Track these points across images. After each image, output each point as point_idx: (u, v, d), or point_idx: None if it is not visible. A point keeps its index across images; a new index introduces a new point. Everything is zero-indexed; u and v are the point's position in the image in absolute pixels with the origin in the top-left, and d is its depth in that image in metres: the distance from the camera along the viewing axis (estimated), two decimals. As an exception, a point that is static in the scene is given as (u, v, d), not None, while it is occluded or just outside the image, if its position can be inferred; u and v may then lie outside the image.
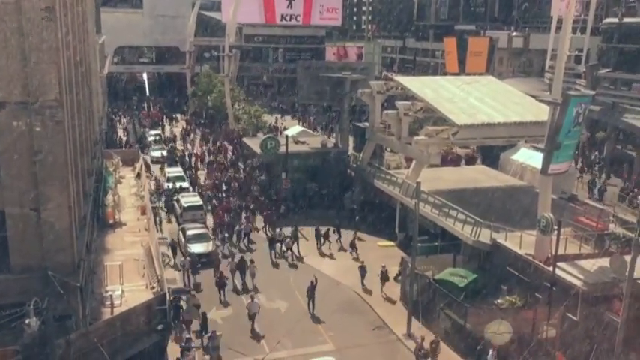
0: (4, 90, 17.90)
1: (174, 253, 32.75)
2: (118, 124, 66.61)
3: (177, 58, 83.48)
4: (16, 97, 18.02)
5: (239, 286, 30.25)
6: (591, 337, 23.21)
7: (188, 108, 74.83)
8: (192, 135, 61.36)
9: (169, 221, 38.68)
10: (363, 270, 30.65)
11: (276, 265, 33.43)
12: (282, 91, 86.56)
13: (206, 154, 53.43)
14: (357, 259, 33.73)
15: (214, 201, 40.93)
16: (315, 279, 28.46)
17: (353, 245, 34.49)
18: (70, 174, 20.01)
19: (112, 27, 69.55)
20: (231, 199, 41.07)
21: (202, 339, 24.99)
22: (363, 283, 30.54)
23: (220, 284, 29.27)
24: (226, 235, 36.02)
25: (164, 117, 70.62)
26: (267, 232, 36.88)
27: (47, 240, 18.88)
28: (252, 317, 26.42)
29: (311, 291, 28.08)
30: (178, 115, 73.14)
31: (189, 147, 56.71)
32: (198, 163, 50.92)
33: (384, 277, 29.97)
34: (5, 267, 18.91)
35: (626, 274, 21.68)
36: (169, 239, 34.20)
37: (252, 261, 30.95)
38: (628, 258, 21.97)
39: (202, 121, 68.41)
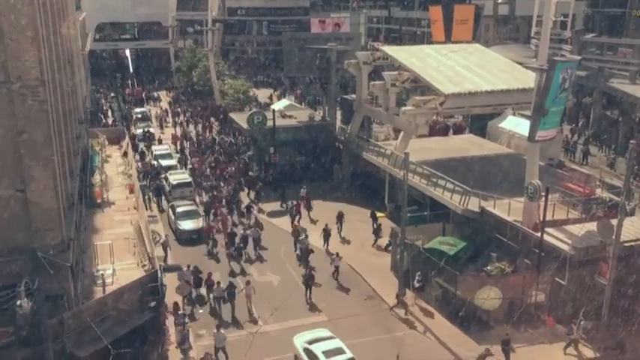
0: (-17, 71, 17.57)
1: (166, 254, 30.09)
2: (102, 102, 65.68)
3: (160, 33, 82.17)
4: (-4, 77, 17.71)
5: (229, 319, 25.65)
6: (579, 300, 23.65)
7: (173, 84, 73.91)
8: (181, 115, 58.93)
9: (160, 210, 36.80)
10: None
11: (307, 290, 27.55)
12: (267, 65, 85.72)
13: (190, 136, 51.06)
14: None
15: (207, 192, 38.06)
16: (310, 269, 27.93)
17: (377, 233, 32.31)
18: (55, 153, 19.76)
19: (92, 3, 68.21)
20: (225, 186, 38.62)
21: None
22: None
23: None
24: (233, 249, 30.72)
25: (149, 94, 69.71)
26: (299, 239, 31.26)
27: (35, 221, 18.73)
28: (217, 351, 22.81)
29: (309, 279, 27.30)
30: (163, 92, 72.25)
31: (176, 128, 54.82)
32: (185, 143, 49.24)
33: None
34: (-7, 249, 18.78)
35: (613, 237, 22.03)
36: (163, 238, 31.26)
37: (248, 282, 26.70)
38: (614, 222, 22.30)
39: (186, 98, 67.22)
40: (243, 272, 29.64)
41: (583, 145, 45.65)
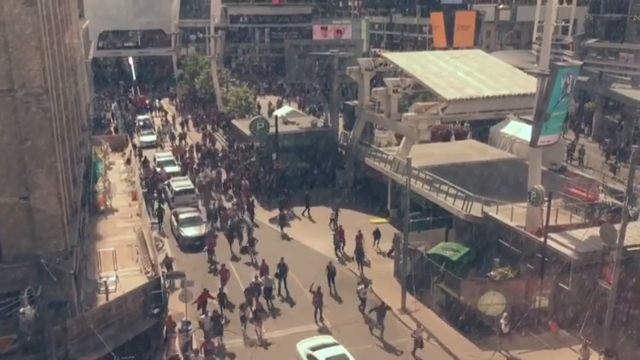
0: (-13, 78, 17.69)
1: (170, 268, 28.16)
2: (105, 109, 65.83)
3: (163, 41, 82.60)
4: (0, 85, 17.82)
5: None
6: (583, 305, 23.57)
7: (176, 92, 74.16)
8: (185, 126, 57.80)
9: (156, 221, 34.30)
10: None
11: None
12: (269, 72, 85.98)
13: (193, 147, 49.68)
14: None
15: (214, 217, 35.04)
16: (319, 287, 25.97)
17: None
18: (59, 161, 19.87)
19: (95, 11, 68.67)
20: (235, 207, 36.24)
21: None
22: None
23: None
24: (252, 313, 25.11)
25: (153, 102, 69.83)
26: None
27: (38, 228, 18.81)
28: None
29: (318, 300, 25.82)
30: (166, 100, 72.35)
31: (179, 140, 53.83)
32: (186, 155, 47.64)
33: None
34: (-3, 256, 18.86)
35: (617, 242, 21.96)
36: (164, 255, 29.24)
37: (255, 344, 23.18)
38: (618, 226, 22.24)
39: (187, 106, 67.01)
40: (264, 344, 24.48)
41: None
